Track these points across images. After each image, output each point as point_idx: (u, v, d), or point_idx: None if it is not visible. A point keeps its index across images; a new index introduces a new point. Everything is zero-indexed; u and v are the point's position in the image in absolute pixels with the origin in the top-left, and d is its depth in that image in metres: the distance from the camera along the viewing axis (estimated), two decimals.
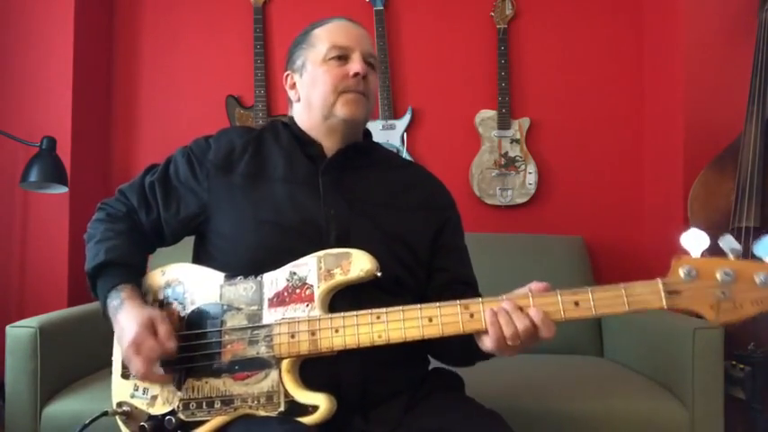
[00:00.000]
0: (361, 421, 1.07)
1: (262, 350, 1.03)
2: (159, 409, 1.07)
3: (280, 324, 1.03)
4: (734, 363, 1.78)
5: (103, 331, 1.18)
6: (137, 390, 1.11)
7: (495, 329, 0.96)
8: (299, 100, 1.24)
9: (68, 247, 2.27)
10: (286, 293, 1.05)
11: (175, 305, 1.11)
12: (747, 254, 0.91)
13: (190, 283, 1.12)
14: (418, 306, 1.00)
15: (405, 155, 2.48)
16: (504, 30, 2.52)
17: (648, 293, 0.93)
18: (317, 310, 1.03)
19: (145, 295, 1.13)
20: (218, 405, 1.03)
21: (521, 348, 0.97)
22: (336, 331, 1.01)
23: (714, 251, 0.93)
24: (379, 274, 1.03)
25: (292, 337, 1.02)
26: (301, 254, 1.06)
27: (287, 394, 1.00)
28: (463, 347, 1.06)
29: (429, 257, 1.22)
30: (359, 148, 1.23)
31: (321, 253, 1.06)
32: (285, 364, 1.01)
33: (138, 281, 1.15)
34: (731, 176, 2.00)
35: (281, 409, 1.00)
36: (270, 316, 1.04)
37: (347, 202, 1.16)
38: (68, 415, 1.55)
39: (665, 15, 2.38)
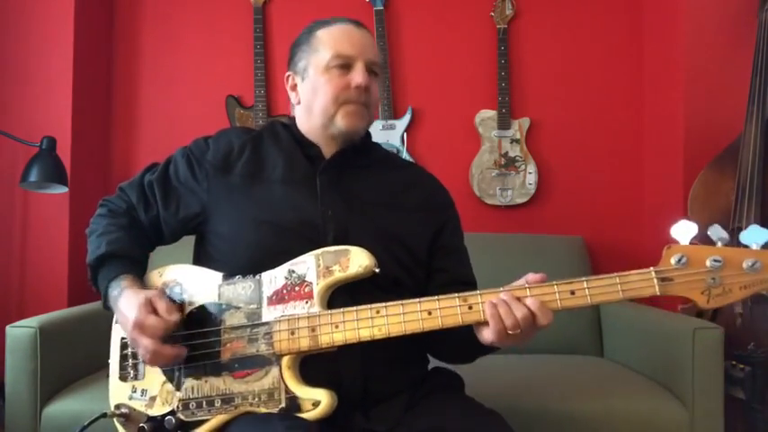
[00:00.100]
0: (362, 419, 1.08)
1: (262, 348, 1.03)
2: (158, 409, 1.07)
3: (279, 321, 1.03)
4: (734, 363, 1.78)
5: (103, 331, 1.18)
6: (134, 391, 1.11)
7: (496, 321, 0.97)
8: (299, 103, 1.23)
9: (68, 247, 2.26)
10: (285, 291, 1.05)
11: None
12: None
13: (188, 283, 1.12)
14: (417, 300, 1.01)
15: (405, 155, 2.48)
16: (504, 30, 2.52)
17: (642, 281, 0.95)
18: (316, 307, 1.03)
19: None
20: (218, 404, 1.03)
21: (521, 338, 0.97)
22: (336, 327, 1.01)
23: (704, 242, 0.96)
24: (377, 270, 1.04)
25: (292, 333, 1.02)
26: (299, 254, 1.06)
27: (288, 390, 1.00)
28: (463, 342, 1.07)
29: (428, 258, 1.22)
30: (358, 148, 1.22)
31: (319, 250, 1.06)
32: (285, 360, 1.02)
33: (140, 273, 1.15)
34: (731, 176, 2.00)
35: (283, 405, 1.00)
36: (269, 314, 1.04)
37: (345, 202, 1.16)
38: (68, 415, 1.55)
39: (665, 15, 2.38)
